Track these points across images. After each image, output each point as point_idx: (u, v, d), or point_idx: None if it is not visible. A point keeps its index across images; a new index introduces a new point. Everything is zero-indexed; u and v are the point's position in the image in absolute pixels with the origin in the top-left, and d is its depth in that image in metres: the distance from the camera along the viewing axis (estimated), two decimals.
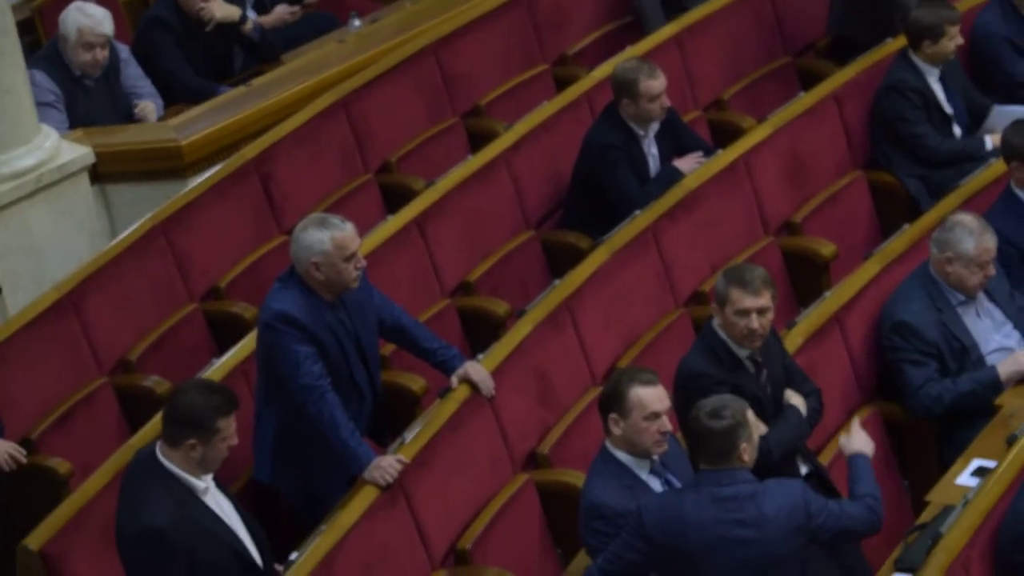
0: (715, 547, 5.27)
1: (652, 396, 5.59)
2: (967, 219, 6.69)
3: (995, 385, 6.54)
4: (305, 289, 6.14)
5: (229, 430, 5.48)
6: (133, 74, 8.64)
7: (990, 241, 6.61)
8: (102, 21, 8.36)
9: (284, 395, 6.14)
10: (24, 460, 6.37)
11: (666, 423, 5.61)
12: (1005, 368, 6.55)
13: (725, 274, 6.08)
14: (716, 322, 6.07)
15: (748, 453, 5.36)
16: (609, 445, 5.69)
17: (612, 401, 5.62)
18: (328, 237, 6.09)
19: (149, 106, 8.53)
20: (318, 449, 6.13)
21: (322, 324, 6.13)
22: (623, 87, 7.63)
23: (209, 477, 5.54)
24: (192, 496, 5.48)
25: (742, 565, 5.26)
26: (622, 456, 5.65)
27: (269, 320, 6.12)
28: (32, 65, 8.14)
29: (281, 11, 9.39)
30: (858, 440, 5.84)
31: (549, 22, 9.06)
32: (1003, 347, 6.73)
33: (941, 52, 7.96)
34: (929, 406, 6.54)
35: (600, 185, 7.70)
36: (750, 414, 5.41)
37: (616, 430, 5.61)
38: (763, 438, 5.82)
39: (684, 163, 7.78)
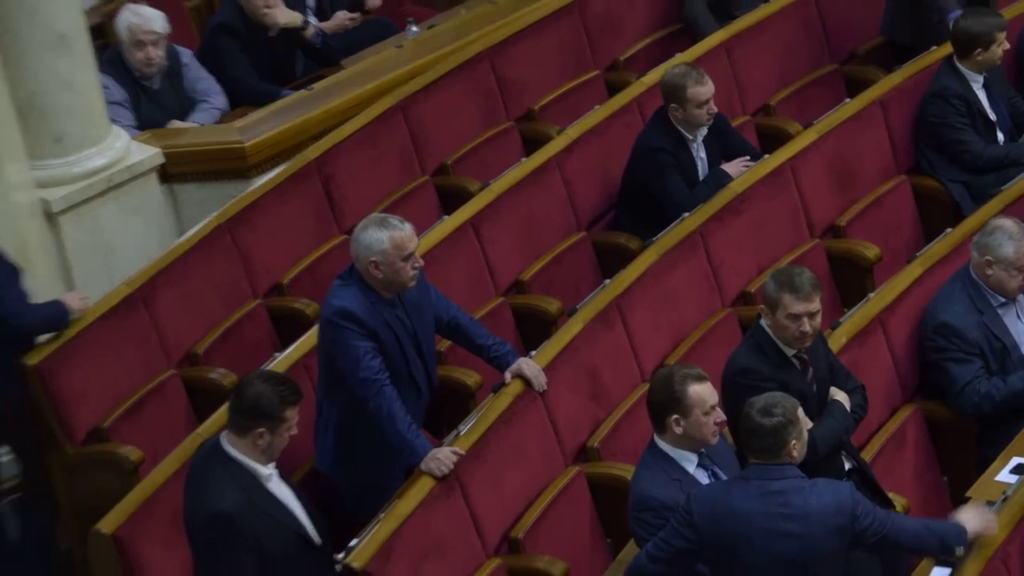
0: (760, 539, 5.30)
1: (708, 391, 5.67)
2: (1007, 224, 6.69)
3: None
4: (365, 287, 6.18)
5: (294, 420, 5.60)
6: (195, 76, 8.68)
7: None
8: (152, 19, 8.41)
9: (345, 389, 6.19)
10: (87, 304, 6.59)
11: (720, 414, 5.68)
12: None
13: (775, 278, 6.10)
14: (765, 321, 6.12)
15: (797, 450, 5.39)
16: (658, 440, 5.74)
17: (671, 404, 5.64)
18: (387, 237, 6.13)
19: (182, 127, 8.55)
20: (377, 440, 6.18)
21: (381, 321, 6.18)
22: (672, 92, 7.65)
23: (272, 465, 5.65)
24: (257, 483, 5.59)
25: (785, 558, 5.29)
26: (671, 450, 5.71)
27: (330, 316, 6.17)
28: (98, 69, 8.22)
29: (341, 17, 9.42)
30: (976, 521, 5.56)
31: (601, 29, 9.05)
32: None
33: (991, 58, 7.93)
34: (978, 403, 6.54)
35: (649, 188, 7.71)
36: (800, 412, 5.45)
37: (678, 429, 5.65)
38: (808, 432, 5.87)
39: (731, 167, 7.80)
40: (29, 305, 6.91)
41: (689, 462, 5.73)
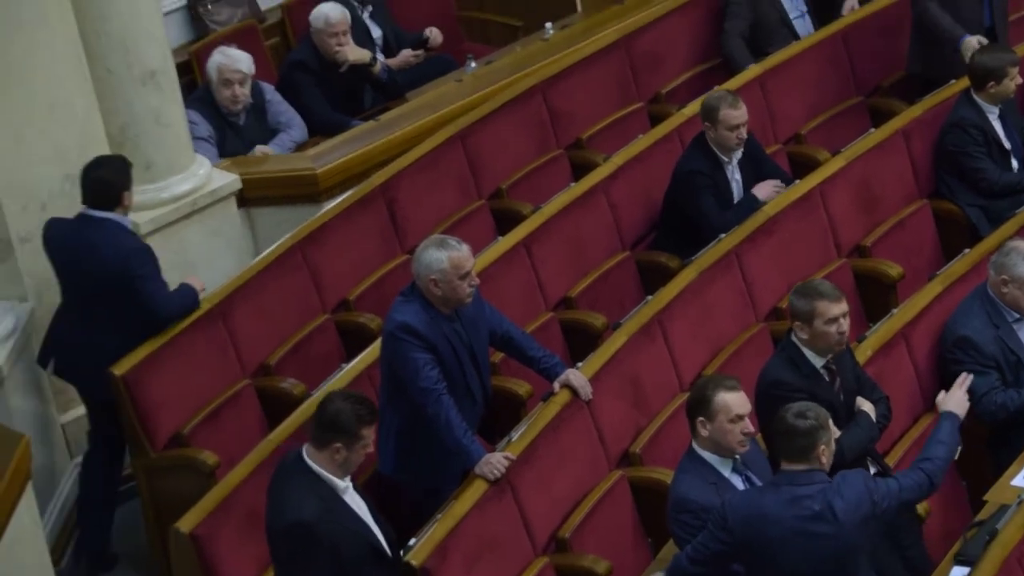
0: (793, 540, 5.20)
1: (736, 400, 5.54)
2: (1022, 245, 6.60)
3: None
4: (425, 303, 6.13)
5: (369, 438, 5.50)
6: (277, 110, 8.69)
7: None
8: (239, 60, 8.42)
9: (406, 398, 6.14)
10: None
11: (748, 425, 5.57)
12: None
13: (802, 293, 5.99)
14: (796, 336, 5.99)
15: (826, 456, 5.29)
16: (695, 446, 5.64)
17: (699, 406, 5.57)
18: (446, 257, 6.08)
19: (265, 149, 8.51)
20: (435, 446, 6.12)
21: (439, 335, 6.12)
22: (707, 113, 7.57)
23: (348, 478, 5.55)
24: (334, 494, 5.49)
25: (819, 557, 5.20)
26: (707, 456, 5.61)
27: (393, 330, 6.12)
28: (188, 106, 8.23)
29: (406, 54, 9.40)
30: (953, 400, 5.90)
31: (645, 64, 9.01)
32: None
33: (1003, 92, 7.84)
34: (994, 412, 6.44)
35: (684, 209, 7.64)
36: (830, 422, 5.35)
37: (704, 432, 5.57)
38: (837, 441, 5.76)
39: (762, 190, 7.69)
40: (171, 293, 6.92)
41: (724, 467, 5.61)
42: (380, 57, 9.21)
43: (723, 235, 7.35)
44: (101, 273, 6.74)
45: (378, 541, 5.57)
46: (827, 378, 6.00)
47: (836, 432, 5.55)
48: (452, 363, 6.17)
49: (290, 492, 5.44)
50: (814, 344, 5.97)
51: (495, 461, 6.00)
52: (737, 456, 5.61)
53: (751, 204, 7.58)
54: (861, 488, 5.29)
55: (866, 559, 5.35)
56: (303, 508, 5.37)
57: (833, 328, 5.91)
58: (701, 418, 5.55)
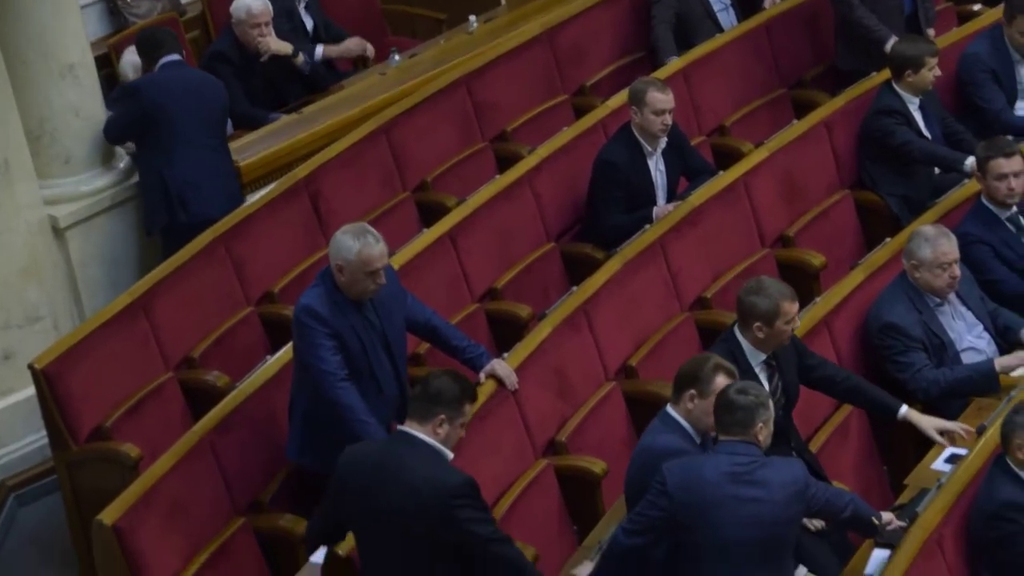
0: (728, 504, 5.26)
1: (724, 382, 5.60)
2: (925, 228, 6.72)
3: (990, 374, 6.52)
4: (333, 288, 6.14)
5: (469, 416, 5.58)
6: None
7: (947, 245, 6.61)
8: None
9: (311, 381, 6.16)
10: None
11: None
12: (1002, 361, 6.54)
13: (763, 293, 5.98)
14: (744, 333, 6.02)
15: (764, 435, 5.37)
16: (670, 410, 5.65)
17: (695, 380, 5.57)
18: (358, 249, 6.06)
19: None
20: (339, 432, 6.10)
21: (344, 321, 6.12)
22: (634, 96, 7.61)
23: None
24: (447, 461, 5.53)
25: (753, 524, 5.26)
26: (682, 421, 5.63)
27: (298, 313, 6.16)
28: (110, 102, 8.20)
29: (350, 43, 9.36)
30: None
31: (569, 57, 9.06)
32: (974, 347, 6.73)
33: (921, 82, 7.95)
34: (927, 388, 6.52)
35: (601, 197, 7.67)
36: (771, 404, 5.42)
37: (690, 405, 5.58)
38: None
39: (660, 210, 7.63)
40: None
41: (694, 440, 5.64)
42: (318, 49, 9.19)
43: (648, 226, 7.39)
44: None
45: None
46: (766, 373, 6.05)
47: (771, 426, 5.53)
48: (357, 351, 6.17)
49: (420, 464, 5.41)
50: (766, 343, 6.01)
51: None
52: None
53: (645, 218, 7.56)
54: (797, 469, 5.40)
55: (792, 545, 5.42)
56: (451, 473, 5.40)
57: (790, 327, 6.01)
58: (692, 392, 5.58)
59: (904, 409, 6.22)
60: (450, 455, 5.52)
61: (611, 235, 7.56)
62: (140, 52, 8.17)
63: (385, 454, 5.53)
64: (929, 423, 6.16)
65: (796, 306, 6.04)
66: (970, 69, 8.39)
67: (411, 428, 5.53)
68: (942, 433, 6.14)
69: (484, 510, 5.49)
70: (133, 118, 7.82)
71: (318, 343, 6.06)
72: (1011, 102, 8.40)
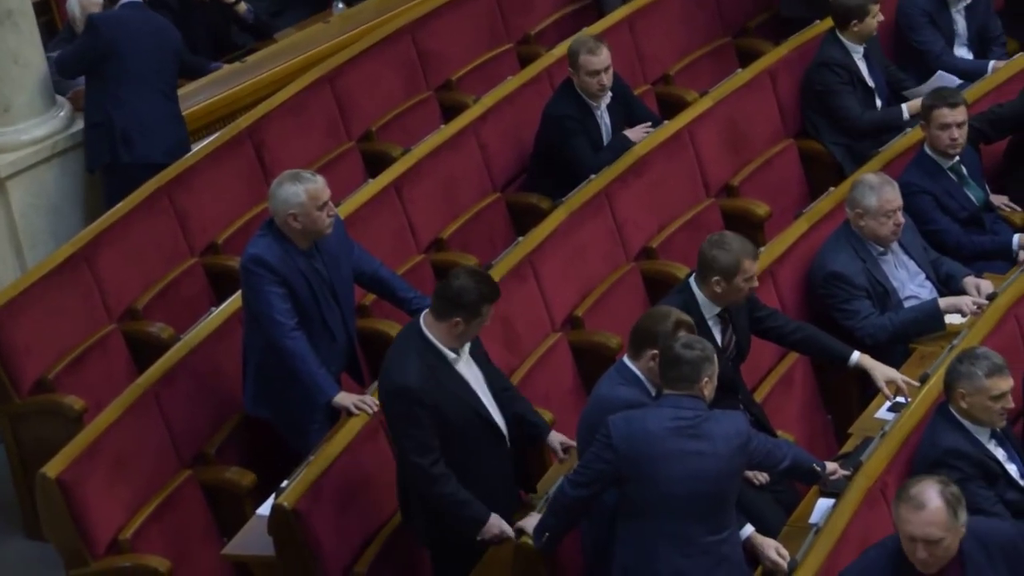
0: (673, 456, 5.24)
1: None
2: (868, 176, 6.72)
3: (935, 313, 6.54)
4: (280, 237, 6.11)
5: (488, 315, 5.59)
6: None
7: (891, 193, 6.62)
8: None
9: (262, 332, 6.13)
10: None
11: None
12: (946, 300, 6.56)
13: (725, 247, 5.92)
14: (702, 287, 5.97)
15: (708, 389, 5.34)
16: (628, 362, 5.61)
17: (657, 340, 5.51)
18: (303, 190, 6.05)
19: None
20: (292, 382, 6.11)
21: (293, 269, 6.09)
22: (570, 59, 7.60)
23: (465, 350, 5.61)
24: (444, 363, 5.56)
25: (697, 477, 5.24)
26: (640, 375, 5.59)
27: (245, 263, 6.13)
28: (52, 49, 8.07)
29: None
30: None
31: (514, 5, 9.00)
32: (916, 295, 6.75)
33: (866, 30, 7.94)
34: (874, 334, 6.54)
35: (558, 152, 7.66)
36: (716, 356, 5.38)
37: (651, 363, 5.52)
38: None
39: (634, 133, 7.75)
40: None
41: (651, 394, 5.59)
42: None
43: (593, 176, 7.37)
44: None
45: (485, 410, 5.63)
46: (720, 327, 6.04)
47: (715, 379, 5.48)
48: (307, 298, 6.14)
49: (401, 356, 5.55)
50: (722, 298, 5.98)
51: (356, 395, 6.03)
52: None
53: (622, 144, 7.62)
54: (740, 422, 5.38)
55: (733, 499, 5.39)
56: (408, 373, 5.47)
57: (748, 286, 5.98)
58: (654, 352, 5.53)
59: (856, 356, 6.22)
60: (451, 355, 5.56)
61: (594, 172, 7.44)
62: None
63: (400, 339, 5.69)
64: (881, 372, 6.16)
65: (756, 264, 6.01)
66: (909, 13, 8.41)
67: (426, 322, 5.58)
68: (890, 384, 6.14)
69: (407, 421, 5.48)
70: (89, 52, 7.75)
71: (267, 291, 6.03)
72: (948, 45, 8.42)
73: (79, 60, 7.79)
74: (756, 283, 6.04)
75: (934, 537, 4.88)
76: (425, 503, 5.61)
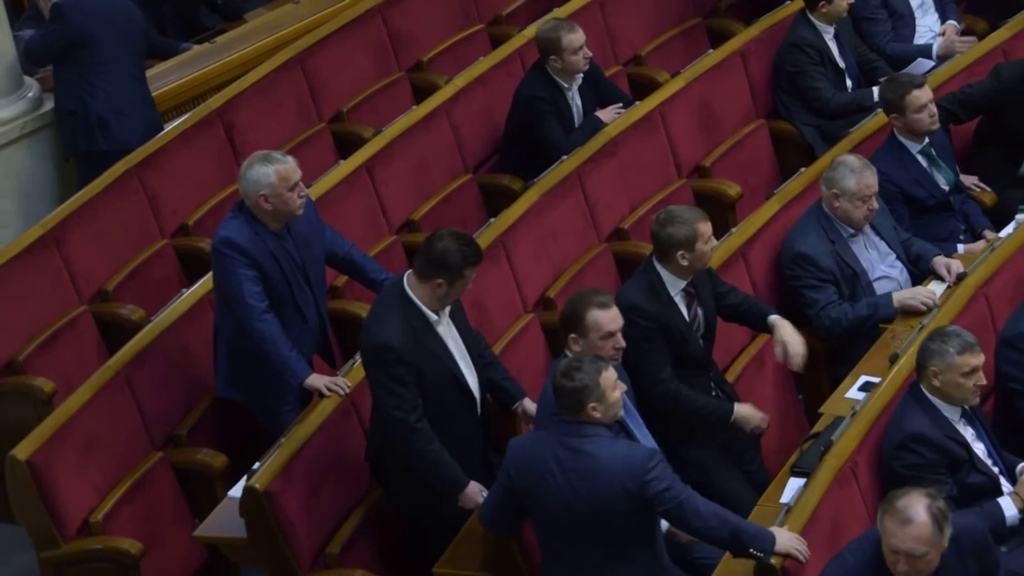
0: (553, 491, 5.18)
1: (608, 318, 5.54)
2: (849, 159, 6.71)
3: (888, 310, 6.54)
4: (251, 219, 6.09)
5: (470, 278, 5.64)
6: None
7: (870, 178, 6.63)
8: None
9: (233, 315, 6.11)
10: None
11: (620, 340, 5.56)
12: (900, 297, 6.58)
13: (678, 220, 5.92)
14: (663, 263, 5.98)
15: (600, 411, 5.20)
16: (571, 352, 5.58)
17: (570, 322, 5.54)
18: (273, 171, 6.03)
19: None
20: (264, 364, 6.10)
21: (265, 251, 6.07)
22: (548, 46, 7.57)
23: (445, 312, 5.66)
24: (426, 324, 5.61)
25: (574, 513, 5.16)
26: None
27: (216, 245, 6.10)
28: (18, 28, 8.02)
29: None
30: (786, 540, 5.23)
31: None
32: (887, 275, 6.76)
33: (836, 11, 7.95)
34: (830, 326, 6.56)
35: (530, 134, 7.66)
36: (606, 376, 5.21)
37: (576, 348, 5.54)
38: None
39: (605, 114, 7.75)
40: None
41: None
42: None
43: (565, 157, 7.37)
44: None
45: (461, 374, 5.68)
46: (685, 302, 6.05)
47: (619, 388, 5.35)
48: (279, 280, 6.13)
49: (383, 315, 5.60)
50: (690, 268, 5.97)
51: (328, 380, 6.02)
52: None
53: (594, 125, 7.63)
54: (637, 462, 5.12)
55: (645, 533, 5.25)
56: (390, 332, 5.53)
57: (710, 246, 5.97)
58: (573, 335, 5.54)
59: (774, 317, 6.18)
60: (432, 316, 5.60)
61: (566, 153, 7.44)
62: None
63: (382, 297, 5.73)
64: (780, 334, 6.10)
65: (710, 224, 5.99)
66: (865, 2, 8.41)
67: (409, 282, 5.62)
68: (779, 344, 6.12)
69: (391, 379, 5.52)
70: (58, 40, 7.71)
71: (238, 273, 6.01)
72: (909, 30, 8.42)
73: (48, 48, 7.75)
74: (715, 242, 6.03)
75: (918, 553, 4.84)
76: (405, 464, 5.61)
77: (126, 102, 7.73)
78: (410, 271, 5.64)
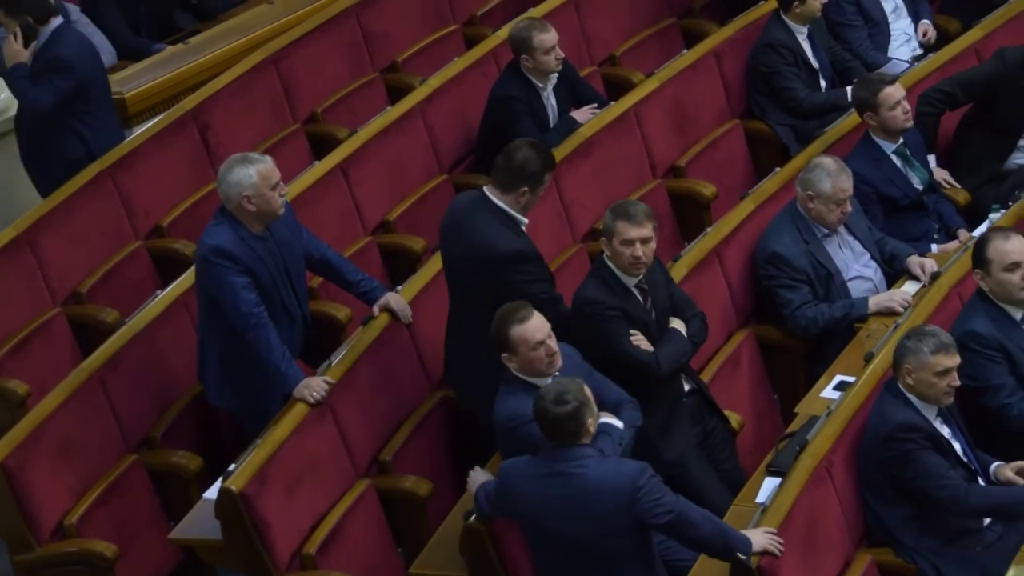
0: (544, 515, 5.21)
1: (530, 329, 5.47)
2: (827, 161, 6.72)
3: (863, 311, 6.56)
4: (235, 224, 6.07)
5: (547, 182, 6.01)
6: (87, 32, 8.45)
7: (846, 182, 6.65)
8: None
9: (224, 323, 6.08)
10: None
11: (551, 345, 5.51)
12: (876, 300, 6.60)
13: (612, 210, 5.98)
14: (607, 255, 6.01)
15: (593, 426, 5.23)
16: (512, 368, 5.57)
17: (500, 345, 5.51)
18: (254, 171, 6.02)
19: None
20: (257, 370, 6.09)
21: (253, 255, 6.06)
22: (520, 45, 7.58)
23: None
24: (520, 230, 5.96)
25: (569, 535, 5.18)
26: (524, 377, 5.59)
27: (206, 255, 6.06)
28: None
29: None
30: (760, 539, 5.26)
31: None
32: (861, 275, 6.79)
33: (809, 11, 7.97)
34: (806, 327, 6.58)
35: (505, 134, 7.64)
36: (587, 390, 5.25)
37: (512, 365, 5.53)
38: (653, 354, 5.84)
39: (580, 114, 7.76)
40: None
41: (542, 383, 5.54)
42: None
43: None
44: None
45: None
46: (639, 296, 6.03)
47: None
48: (268, 283, 6.12)
49: (488, 226, 5.88)
50: (614, 262, 5.97)
51: (314, 384, 5.99)
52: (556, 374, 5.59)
53: (569, 125, 7.63)
54: (626, 480, 5.12)
55: (632, 551, 5.24)
56: (511, 239, 5.87)
57: (627, 251, 5.86)
58: (506, 354, 5.52)
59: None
60: (525, 220, 5.93)
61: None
62: (23, 10, 7.56)
63: (465, 215, 5.96)
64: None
65: (636, 231, 5.80)
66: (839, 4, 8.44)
67: (493, 194, 5.88)
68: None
69: (537, 276, 5.87)
70: (70, 92, 7.48)
71: (232, 281, 5.98)
72: (884, 36, 8.45)
73: (59, 103, 7.48)
74: (639, 253, 5.84)
75: None
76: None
77: (116, 139, 7.63)
78: (488, 186, 5.92)
